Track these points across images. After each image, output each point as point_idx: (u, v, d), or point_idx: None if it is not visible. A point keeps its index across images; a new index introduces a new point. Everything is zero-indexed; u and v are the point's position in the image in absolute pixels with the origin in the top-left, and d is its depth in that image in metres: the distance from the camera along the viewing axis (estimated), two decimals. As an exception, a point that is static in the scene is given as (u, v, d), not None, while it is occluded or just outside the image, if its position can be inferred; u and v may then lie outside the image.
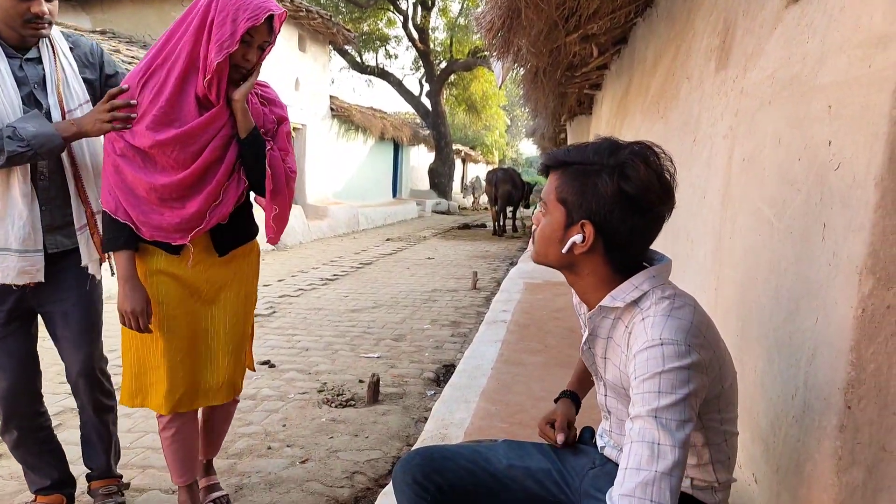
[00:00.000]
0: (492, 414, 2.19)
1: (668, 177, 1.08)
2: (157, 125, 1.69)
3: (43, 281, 1.83)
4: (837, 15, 1.29)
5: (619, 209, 1.05)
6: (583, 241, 1.08)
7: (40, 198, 1.82)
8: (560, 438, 1.30)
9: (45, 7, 1.76)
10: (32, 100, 1.81)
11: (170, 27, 1.74)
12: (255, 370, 2.14)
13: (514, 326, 3.47)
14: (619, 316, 1.12)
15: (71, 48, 1.93)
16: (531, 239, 1.22)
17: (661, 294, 1.08)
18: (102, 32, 8.29)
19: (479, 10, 4.30)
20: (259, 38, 1.69)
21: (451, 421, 2.10)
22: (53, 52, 1.86)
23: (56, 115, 1.82)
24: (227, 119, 1.76)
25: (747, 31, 1.99)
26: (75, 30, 6.75)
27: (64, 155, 1.83)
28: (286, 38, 10.81)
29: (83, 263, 1.90)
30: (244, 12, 1.62)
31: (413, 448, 1.35)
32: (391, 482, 1.30)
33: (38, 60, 1.84)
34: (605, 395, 1.24)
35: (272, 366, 3.82)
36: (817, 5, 1.42)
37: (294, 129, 11.48)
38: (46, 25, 1.79)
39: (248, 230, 1.96)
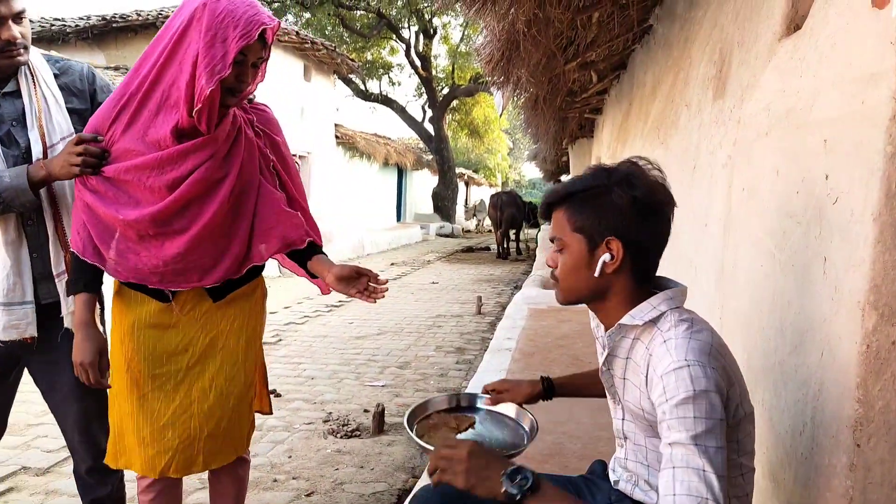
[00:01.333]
0: (497, 446, 2.17)
1: (662, 179, 1.16)
2: (129, 153, 1.51)
3: (35, 335, 1.66)
4: (828, 52, 1.31)
5: (637, 217, 1.10)
6: (612, 259, 1.10)
7: (30, 244, 1.66)
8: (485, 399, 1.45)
9: (16, 31, 1.58)
10: (11, 139, 1.65)
11: (145, 50, 1.54)
12: (272, 413, 1.97)
13: (519, 355, 3.46)
14: (638, 336, 1.13)
15: (57, 75, 1.75)
16: (554, 282, 1.21)
17: (678, 316, 1.09)
18: (116, 68, 8.43)
19: (479, 42, 4.37)
20: (253, 56, 1.48)
21: (456, 454, 2.09)
22: (34, 82, 1.69)
23: (37, 150, 1.65)
24: (215, 152, 1.53)
25: (742, 62, 2.02)
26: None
27: (43, 192, 1.65)
28: (291, 68, 10.98)
29: (63, 314, 1.68)
30: (234, 30, 1.40)
31: (424, 487, 1.31)
32: None
33: (18, 94, 1.67)
34: (623, 419, 1.23)
35: (278, 395, 3.81)
36: (809, 41, 1.44)
37: (300, 157, 11.59)
38: (21, 51, 1.62)
39: (251, 267, 1.69)
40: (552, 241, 1.19)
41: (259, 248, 1.62)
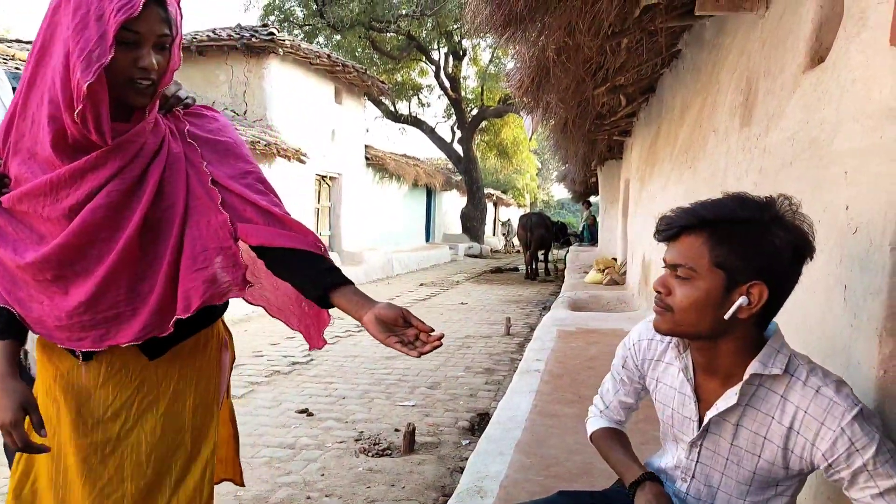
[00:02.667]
0: (527, 467, 2.21)
1: (811, 223, 1.07)
2: (22, 177, 1.21)
3: None
4: (850, 86, 1.36)
5: (790, 264, 1.03)
6: (749, 304, 1.02)
7: None
8: None
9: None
10: None
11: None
12: (243, 485, 1.73)
13: (548, 376, 3.49)
14: (769, 385, 1.08)
15: None
16: (659, 308, 1.10)
17: (806, 361, 1.08)
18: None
19: (509, 66, 4.47)
20: (149, 33, 1.13)
21: (486, 474, 2.13)
22: None
23: None
24: (120, 169, 1.20)
25: (768, 91, 2.07)
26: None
27: None
28: (323, 91, 11.26)
29: (27, 347, 1.42)
30: (111, 2, 1.08)
31: None
32: None
33: None
34: (698, 462, 1.19)
35: (310, 414, 3.90)
36: (832, 74, 1.49)
37: (330, 178, 11.82)
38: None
39: (204, 312, 1.28)
40: (673, 266, 1.07)
41: (186, 291, 1.24)
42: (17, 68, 5.57)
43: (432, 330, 1.17)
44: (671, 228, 1.06)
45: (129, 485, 1.31)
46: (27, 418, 1.19)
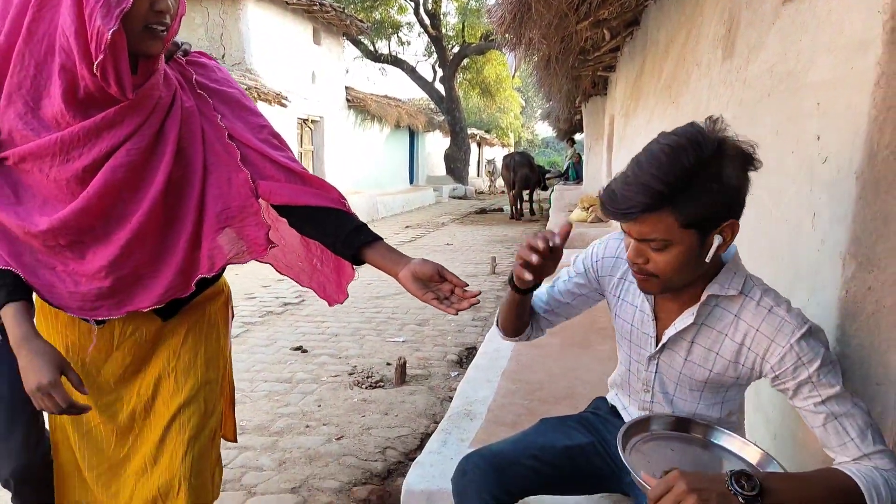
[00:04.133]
0: (512, 392, 2.34)
1: (743, 138, 1.08)
2: (19, 135, 1.11)
3: None
4: (825, 18, 1.40)
5: (747, 186, 1.06)
6: (723, 242, 1.07)
7: None
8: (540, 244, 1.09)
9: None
10: None
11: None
12: (236, 441, 1.74)
13: (534, 309, 3.61)
14: (724, 305, 1.15)
15: None
16: (642, 276, 1.11)
17: (757, 282, 1.15)
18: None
19: (490, 2, 4.39)
20: None
21: (475, 398, 2.25)
22: None
23: None
24: (140, 125, 1.14)
25: (749, 23, 2.09)
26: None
27: None
28: (300, 32, 10.93)
29: None
30: None
31: (469, 458, 1.29)
32: (455, 495, 1.26)
33: None
34: (656, 373, 1.27)
35: (304, 351, 4.01)
36: (809, 5, 1.52)
37: (312, 121, 11.64)
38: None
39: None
40: (643, 240, 1.06)
41: (210, 250, 1.20)
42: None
43: (466, 285, 1.17)
44: (631, 210, 1.02)
45: (146, 445, 1.31)
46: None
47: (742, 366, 1.16)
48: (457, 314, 1.18)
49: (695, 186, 1.00)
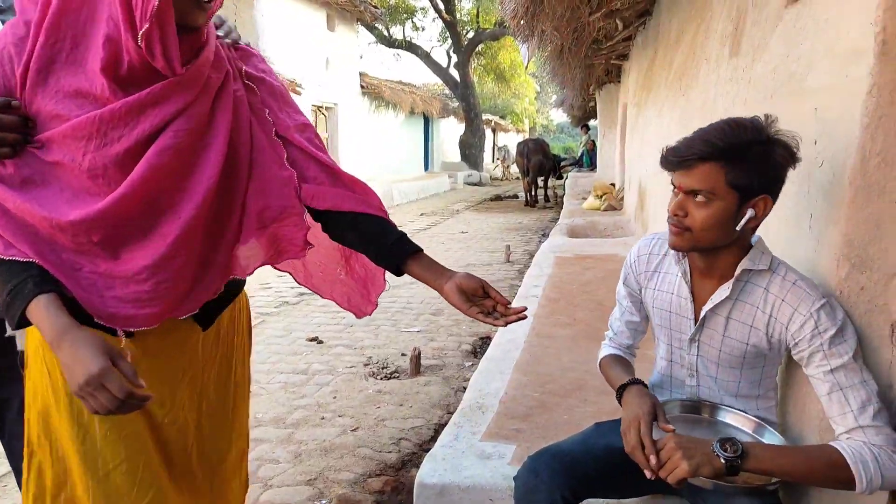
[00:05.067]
0: (524, 384, 2.41)
1: (791, 135, 1.22)
2: (52, 117, 0.99)
3: None
4: (823, 25, 1.43)
5: (786, 173, 1.21)
6: (755, 216, 1.19)
7: None
8: (653, 461, 1.14)
9: None
10: None
11: None
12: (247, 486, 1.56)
13: (545, 301, 3.66)
14: (755, 281, 1.26)
15: None
16: (677, 229, 1.22)
17: (782, 261, 1.27)
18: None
19: (504, -7, 4.41)
20: None
21: (487, 391, 2.32)
22: None
23: None
24: (189, 103, 1.03)
25: (755, 22, 2.11)
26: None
27: None
28: (315, 18, 10.97)
29: (8, 333, 1.33)
30: None
31: (540, 457, 1.32)
32: (523, 493, 1.28)
33: None
34: (698, 356, 1.36)
35: (320, 342, 4.11)
36: (809, 10, 1.55)
37: (326, 108, 11.70)
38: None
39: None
40: (691, 192, 1.19)
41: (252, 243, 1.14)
42: None
43: (509, 303, 1.16)
44: (687, 158, 1.18)
45: (178, 458, 1.20)
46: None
47: (772, 337, 1.25)
48: (506, 325, 1.17)
49: (747, 155, 1.15)
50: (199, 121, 1.05)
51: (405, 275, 1.21)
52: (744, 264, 1.25)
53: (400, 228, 1.24)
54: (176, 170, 1.03)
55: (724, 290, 1.27)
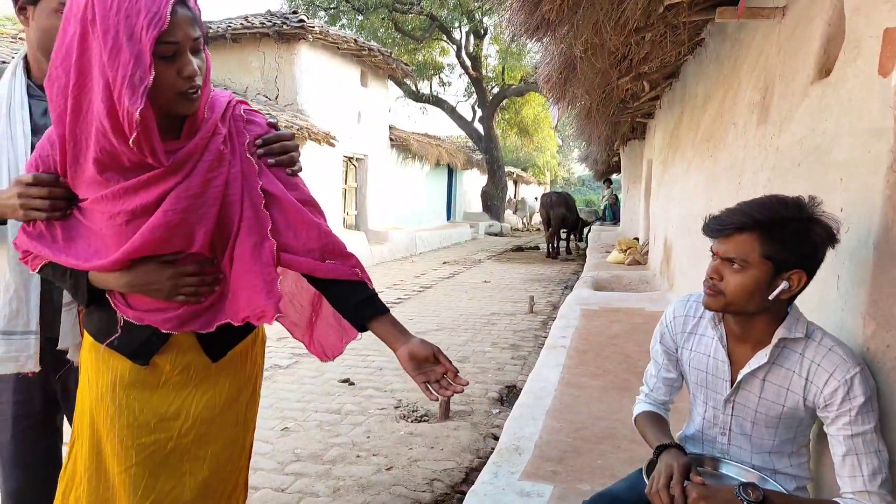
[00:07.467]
0: (557, 430, 2.49)
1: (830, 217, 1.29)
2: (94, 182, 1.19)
3: (36, 370, 1.45)
4: (847, 104, 1.58)
5: (823, 252, 1.27)
6: (789, 288, 1.25)
7: None
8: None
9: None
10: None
11: (48, 72, 1.14)
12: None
13: (574, 352, 3.75)
14: (791, 346, 1.32)
15: None
16: (711, 292, 1.31)
17: (817, 327, 1.33)
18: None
19: (533, 55, 4.66)
20: (186, 39, 1.10)
21: (522, 435, 2.41)
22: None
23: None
24: (179, 181, 1.18)
25: (782, 95, 2.27)
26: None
27: None
28: (350, 75, 11.47)
29: (59, 347, 1.45)
30: (139, 18, 1.04)
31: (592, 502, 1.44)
32: None
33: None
34: (732, 416, 1.41)
35: (352, 384, 4.22)
36: (834, 90, 1.71)
37: (357, 159, 12.09)
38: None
39: None
40: (727, 259, 1.27)
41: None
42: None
43: (457, 371, 1.26)
44: (726, 227, 1.27)
45: (187, 480, 1.32)
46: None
47: (808, 399, 1.31)
48: (437, 400, 1.26)
49: (784, 230, 1.23)
50: (197, 188, 1.20)
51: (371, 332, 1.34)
52: (780, 333, 1.30)
53: (375, 289, 1.36)
54: (169, 238, 1.20)
55: (761, 356, 1.33)
